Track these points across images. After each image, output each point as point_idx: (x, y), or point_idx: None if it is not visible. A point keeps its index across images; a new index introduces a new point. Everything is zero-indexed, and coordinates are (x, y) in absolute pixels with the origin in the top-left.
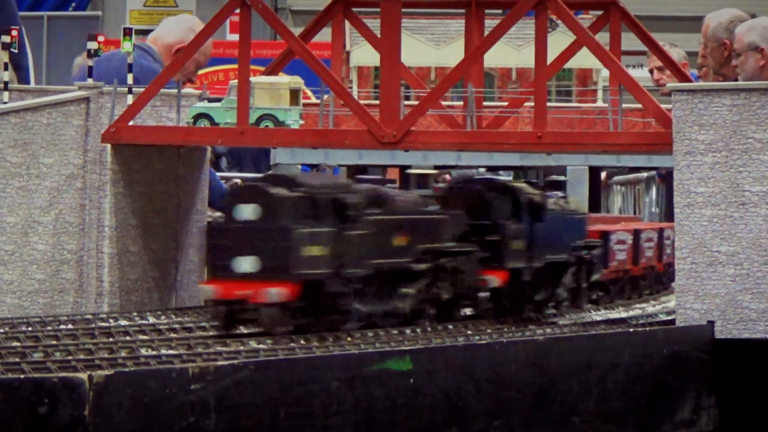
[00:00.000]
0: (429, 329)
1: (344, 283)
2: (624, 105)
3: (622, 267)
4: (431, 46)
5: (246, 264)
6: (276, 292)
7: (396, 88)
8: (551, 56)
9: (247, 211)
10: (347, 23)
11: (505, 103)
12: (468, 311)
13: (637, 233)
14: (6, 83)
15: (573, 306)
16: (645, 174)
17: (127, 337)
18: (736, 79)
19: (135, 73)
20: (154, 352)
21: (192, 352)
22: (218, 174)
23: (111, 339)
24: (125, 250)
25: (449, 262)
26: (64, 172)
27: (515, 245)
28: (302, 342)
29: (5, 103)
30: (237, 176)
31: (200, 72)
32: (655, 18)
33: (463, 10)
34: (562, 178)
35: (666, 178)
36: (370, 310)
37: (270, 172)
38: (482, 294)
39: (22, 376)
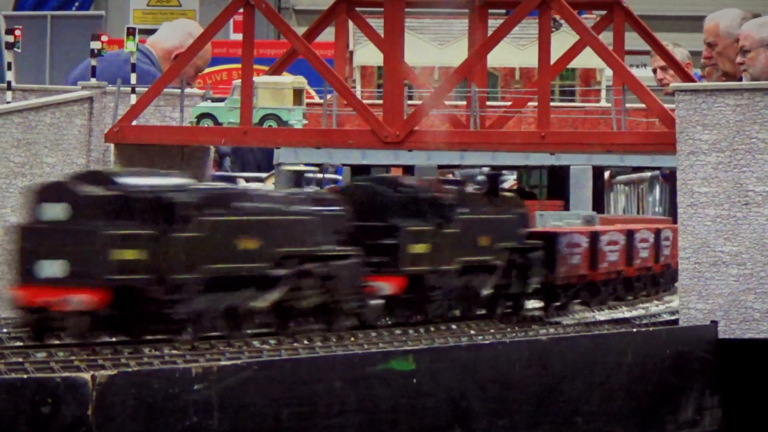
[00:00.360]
0: (432, 329)
1: (170, 291)
2: (627, 105)
3: (575, 272)
4: (435, 45)
5: (52, 268)
6: (79, 300)
7: (399, 88)
8: (555, 56)
9: (53, 211)
10: (350, 23)
11: (509, 103)
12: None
13: (594, 236)
14: (9, 83)
15: (512, 312)
16: (648, 174)
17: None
18: (741, 78)
19: (138, 76)
20: (157, 352)
21: (195, 351)
22: (221, 174)
23: (114, 338)
24: None
25: (319, 268)
26: (67, 171)
27: (415, 248)
28: (305, 342)
29: (8, 102)
30: (240, 175)
31: (203, 72)
32: (659, 17)
33: (466, 10)
34: (485, 175)
35: (669, 177)
36: (212, 319)
37: (88, 169)
38: (375, 301)
39: (25, 376)
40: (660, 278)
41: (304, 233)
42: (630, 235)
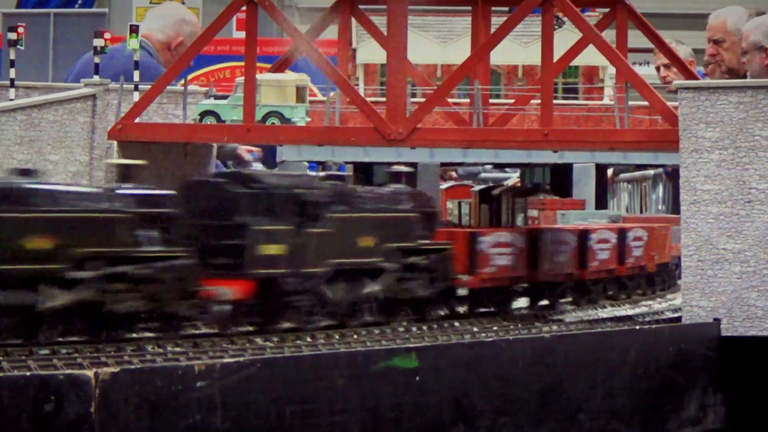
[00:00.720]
0: (435, 326)
1: None
2: (630, 102)
3: (504, 274)
4: (438, 43)
5: None
6: None
7: (402, 86)
8: (558, 54)
9: None
10: (354, 20)
11: (512, 101)
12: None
13: (534, 236)
14: (12, 80)
15: (419, 318)
16: (651, 171)
17: (134, 334)
18: (746, 75)
19: (132, 69)
20: (160, 349)
21: (198, 349)
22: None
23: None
24: None
25: (137, 269)
26: (70, 169)
27: (266, 249)
28: (308, 339)
29: (11, 100)
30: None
31: (207, 69)
32: (662, 15)
33: (469, 8)
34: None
35: (672, 175)
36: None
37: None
38: (219, 307)
39: (28, 374)
40: (628, 281)
41: (118, 232)
42: (584, 235)
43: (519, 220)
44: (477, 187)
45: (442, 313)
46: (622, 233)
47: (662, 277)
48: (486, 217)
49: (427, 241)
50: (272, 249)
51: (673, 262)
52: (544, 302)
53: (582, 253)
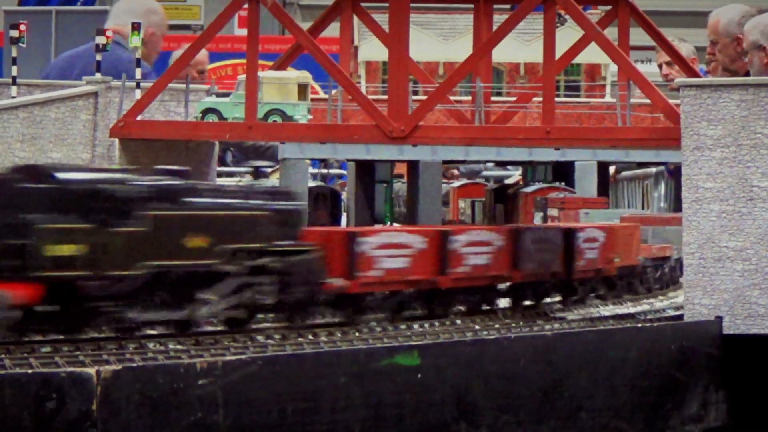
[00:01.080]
0: (437, 324)
1: None
2: (632, 100)
3: (397, 278)
4: (439, 41)
5: None
6: None
7: (404, 83)
8: (560, 51)
9: None
10: (355, 18)
11: (514, 98)
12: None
13: (444, 236)
14: (14, 78)
15: (288, 324)
16: (653, 169)
17: (135, 332)
18: (748, 74)
19: (113, 63)
20: (161, 347)
21: (200, 346)
22: (223, 169)
23: (119, 333)
24: None
25: None
26: None
27: (58, 250)
28: (309, 337)
29: (13, 97)
30: (244, 170)
31: (209, 67)
32: (664, 13)
33: (471, 5)
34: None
35: (674, 173)
36: None
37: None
38: (4, 312)
39: (30, 371)
40: (580, 285)
41: None
42: (515, 236)
43: (537, 220)
44: (490, 186)
45: (316, 321)
46: (569, 234)
47: (628, 280)
48: (501, 216)
49: (286, 242)
50: (65, 249)
51: (643, 264)
52: (460, 308)
53: (513, 255)
